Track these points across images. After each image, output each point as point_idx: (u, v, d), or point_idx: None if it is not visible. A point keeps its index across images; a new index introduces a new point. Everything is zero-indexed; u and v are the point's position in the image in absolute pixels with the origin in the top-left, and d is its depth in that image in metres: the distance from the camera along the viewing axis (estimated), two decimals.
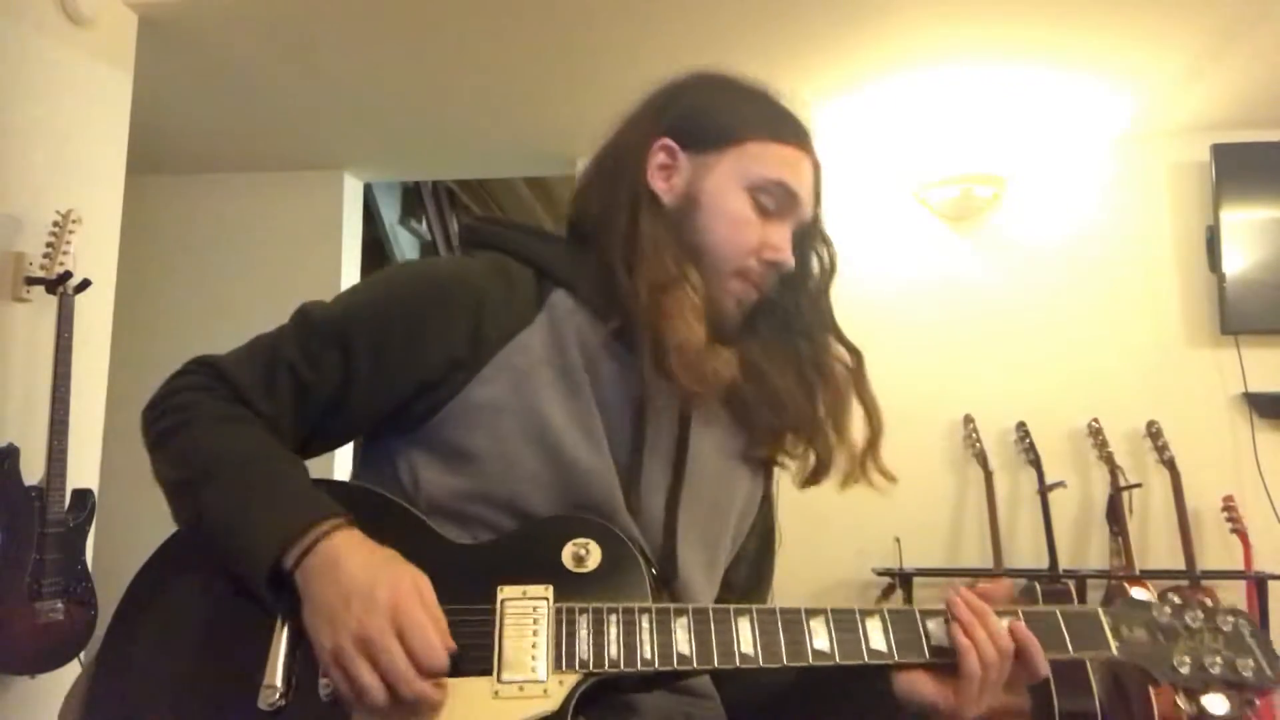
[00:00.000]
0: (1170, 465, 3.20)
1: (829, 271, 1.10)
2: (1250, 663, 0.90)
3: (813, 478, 1.08)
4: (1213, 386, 3.44)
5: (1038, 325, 3.58)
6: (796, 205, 1.04)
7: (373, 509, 0.94)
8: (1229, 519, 3.14)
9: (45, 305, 2.39)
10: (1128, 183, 3.61)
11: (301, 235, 4.00)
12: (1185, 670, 0.89)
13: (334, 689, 0.83)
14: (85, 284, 2.41)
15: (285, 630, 0.87)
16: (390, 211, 4.69)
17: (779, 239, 1.02)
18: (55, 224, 2.39)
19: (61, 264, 2.38)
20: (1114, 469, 3.25)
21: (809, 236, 1.08)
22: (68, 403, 2.31)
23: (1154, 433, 3.29)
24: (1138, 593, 0.94)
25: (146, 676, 0.91)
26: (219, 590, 0.91)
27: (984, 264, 3.67)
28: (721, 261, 1.01)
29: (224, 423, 0.94)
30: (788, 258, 1.03)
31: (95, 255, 2.57)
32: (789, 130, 1.05)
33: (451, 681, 0.84)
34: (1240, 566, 3.06)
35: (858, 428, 1.08)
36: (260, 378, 0.96)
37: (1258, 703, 0.85)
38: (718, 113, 1.05)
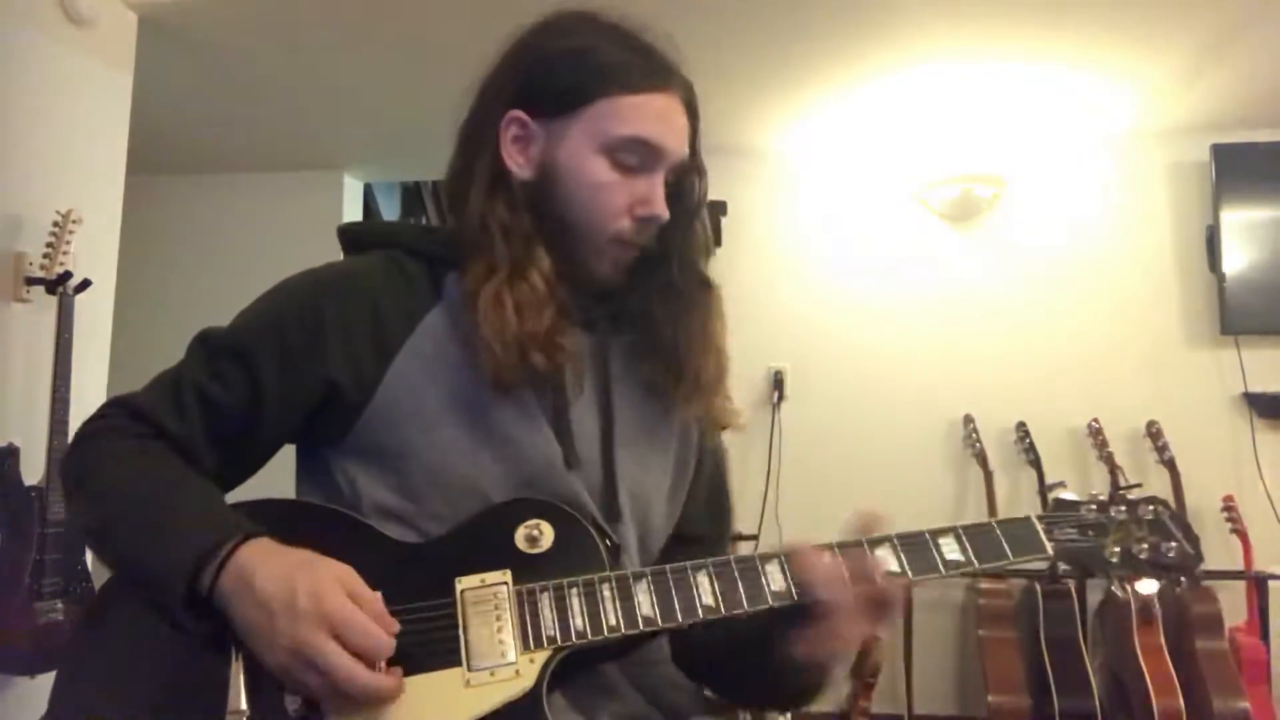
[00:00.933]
0: (1170, 465, 3.20)
1: (699, 204, 1.04)
2: (1174, 545, 0.96)
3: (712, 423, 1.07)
4: (1213, 386, 3.44)
5: (1038, 325, 3.58)
6: (662, 155, 0.97)
7: (316, 521, 0.94)
8: (1229, 519, 3.14)
9: (45, 305, 2.39)
10: (1128, 183, 3.62)
11: (301, 235, 3.97)
12: (1116, 560, 0.96)
13: (301, 706, 0.83)
14: (85, 284, 2.41)
15: (242, 651, 0.85)
16: (390, 211, 4.69)
17: (648, 192, 0.97)
18: (55, 224, 2.39)
19: (61, 264, 2.37)
20: (1114, 469, 3.25)
21: (686, 172, 1.02)
22: (68, 403, 2.30)
23: (1154, 433, 3.29)
24: (1064, 493, 1.00)
25: (104, 709, 0.89)
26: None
27: (984, 264, 3.67)
28: (590, 231, 0.97)
29: (128, 458, 0.92)
30: (660, 210, 0.97)
31: (95, 255, 2.57)
32: (642, 75, 0.97)
33: (421, 678, 0.84)
34: (1240, 566, 3.06)
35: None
36: (169, 401, 0.94)
37: (1185, 581, 0.92)
38: (562, 73, 0.98)
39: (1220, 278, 3.39)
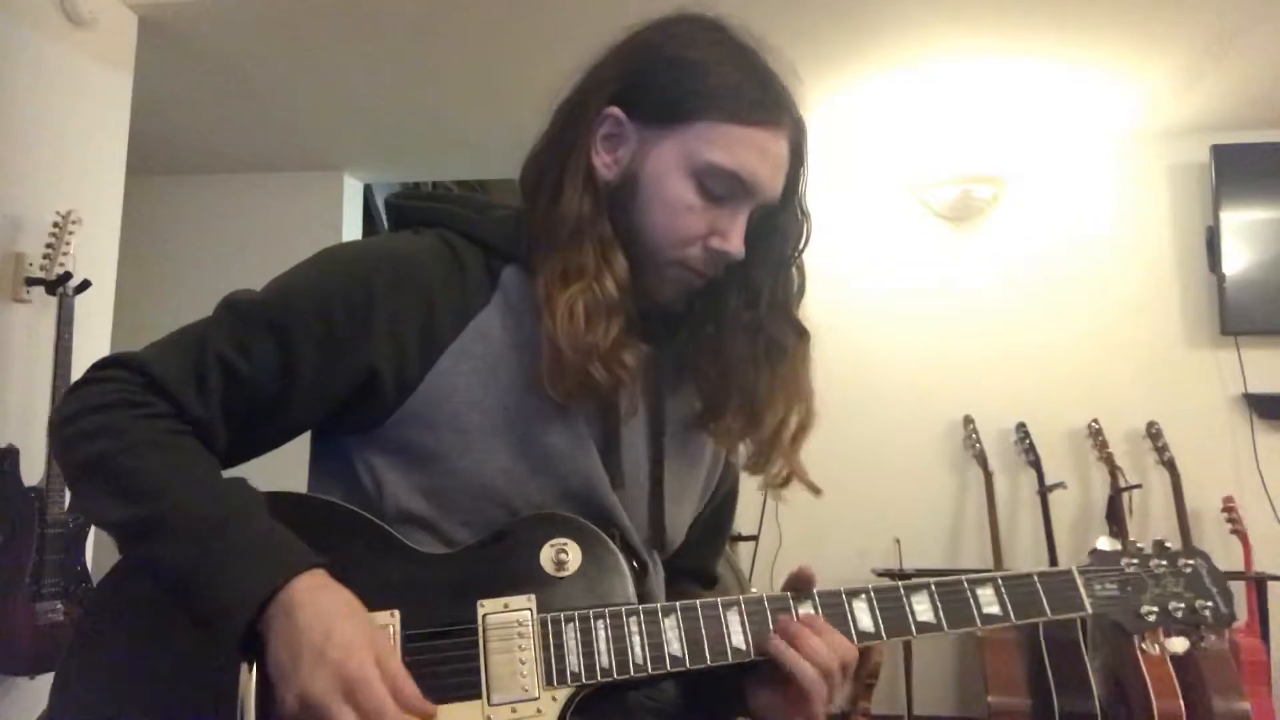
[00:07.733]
0: (1170, 466, 3.20)
1: (796, 246, 0.99)
2: (1209, 604, 0.94)
3: (751, 465, 1.01)
4: (1213, 387, 3.44)
5: (1038, 326, 3.58)
6: (752, 192, 0.92)
7: (337, 525, 0.89)
8: (1229, 519, 3.14)
9: (45, 305, 2.39)
10: (1128, 183, 3.62)
11: (301, 235, 3.99)
12: (1152, 618, 0.93)
13: None
14: (85, 284, 2.41)
15: (255, 672, 0.80)
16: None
17: (727, 225, 0.92)
18: (55, 224, 2.39)
19: (61, 264, 2.37)
20: (1114, 470, 3.25)
21: (780, 210, 0.97)
22: None
23: (1154, 433, 3.29)
24: (1102, 542, 0.97)
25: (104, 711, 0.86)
26: (178, 623, 0.82)
27: (984, 264, 3.67)
28: (657, 250, 0.92)
29: (163, 451, 0.84)
30: (735, 248, 0.92)
31: (95, 255, 2.57)
32: (752, 106, 0.92)
33: (440, 709, 0.80)
34: (1240, 567, 3.06)
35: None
36: (189, 374, 0.86)
37: (1212, 637, 0.92)
38: (671, 83, 0.92)
39: (1220, 278, 3.39)
